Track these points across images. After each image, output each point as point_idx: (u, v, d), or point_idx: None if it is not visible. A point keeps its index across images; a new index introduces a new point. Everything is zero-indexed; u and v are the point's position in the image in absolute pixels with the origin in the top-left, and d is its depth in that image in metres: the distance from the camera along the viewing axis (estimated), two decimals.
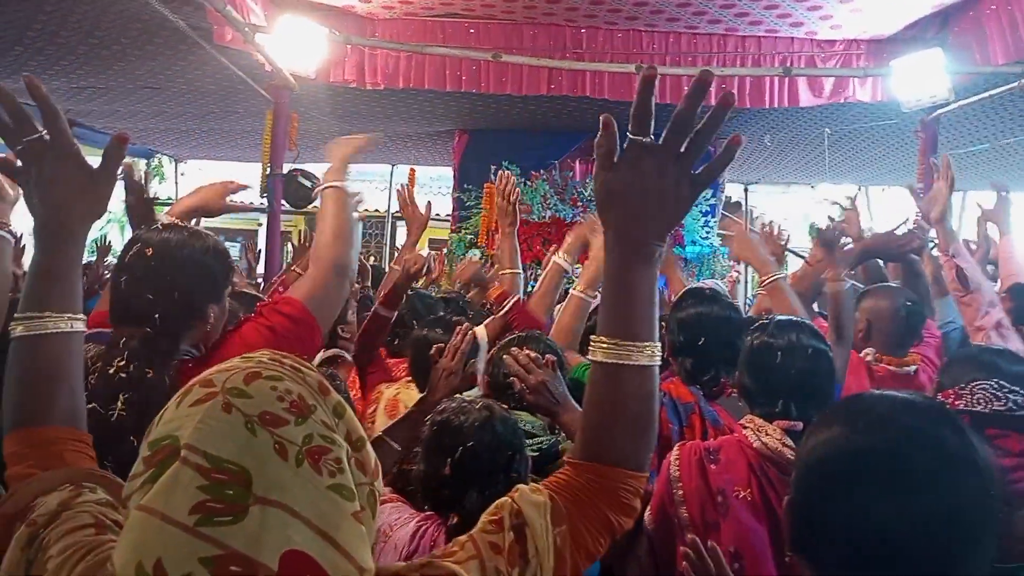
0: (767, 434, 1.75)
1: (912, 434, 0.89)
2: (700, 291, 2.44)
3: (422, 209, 3.66)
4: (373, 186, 11.24)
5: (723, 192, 7.84)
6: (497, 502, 1.00)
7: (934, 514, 0.84)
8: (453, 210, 7.97)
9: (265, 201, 5.45)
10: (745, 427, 1.80)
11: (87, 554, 0.92)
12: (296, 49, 4.68)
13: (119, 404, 1.45)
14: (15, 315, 1.15)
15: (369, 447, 0.91)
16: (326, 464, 0.82)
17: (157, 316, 1.54)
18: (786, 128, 6.72)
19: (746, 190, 9.87)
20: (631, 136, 1.02)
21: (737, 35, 5.30)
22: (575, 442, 1.06)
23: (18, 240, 3.36)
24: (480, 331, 2.97)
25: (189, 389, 0.84)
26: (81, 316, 1.18)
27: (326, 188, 1.82)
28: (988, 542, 0.86)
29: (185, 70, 5.68)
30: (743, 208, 9.40)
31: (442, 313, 2.88)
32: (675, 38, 5.25)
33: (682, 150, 1.01)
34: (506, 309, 2.75)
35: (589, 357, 1.05)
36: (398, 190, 3.86)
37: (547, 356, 1.93)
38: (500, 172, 3.11)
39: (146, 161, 9.78)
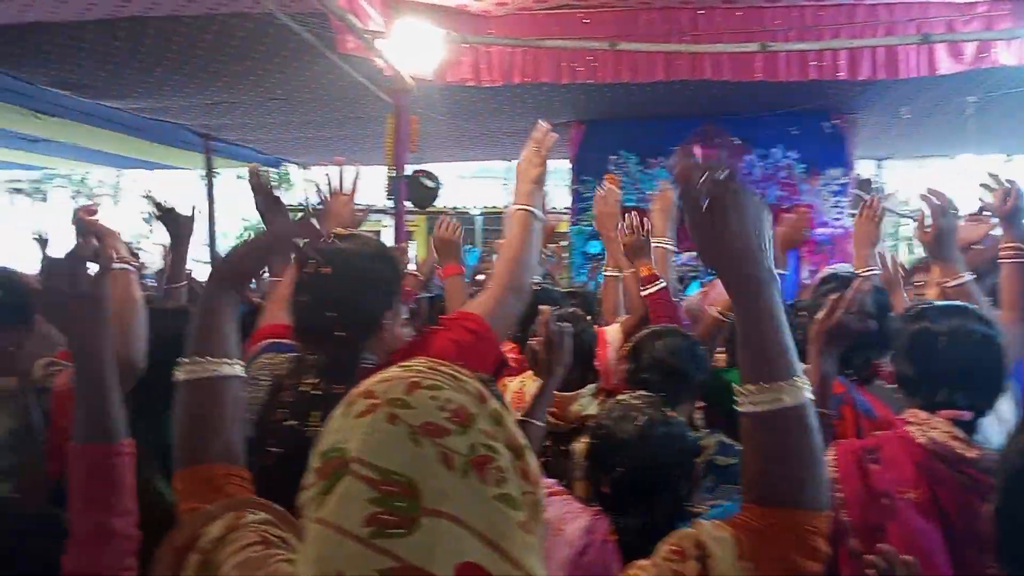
0: (933, 428, 1.63)
1: None
2: (843, 275, 2.32)
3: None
4: (492, 182, 11.39)
5: (854, 171, 7.46)
6: (678, 532, 0.98)
7: None
8: (572, 203, 7.93)
9: (390, 203, 5.59)
10: (908, 422, 1.68)
11: (258, 567, 0.95)
12: (414, 52, 4.77)
13: (313, 419, 1.51)
14: (180, 359, 1.23)
15: (530, 455, 0.89)
16: (491, 473, 0.81)
17: (340, 332, 1.59)
18: (924, 98, 6.31)
19: (879, 167, 9.37)
20: (712, 173, 1.02)
21: (867, 3, 5.01)
22: (744, 484, 1.00)
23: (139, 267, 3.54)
24: (612, 329, 2.94)
25: (352, 400, 0.85)
26: (236, 361, 1.24)
27: (517, 210, 1.87)
28: None
29: (310, 80, 5.88)
30: (875, 186, 8.94)
31: (572, 308, 2.86)
32: (799, 11, 5.00)
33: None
34: (649, 291, 2.69)
35: (740, 409, 1.00)
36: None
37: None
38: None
39: (275, 170, 10.23)
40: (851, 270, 3.57)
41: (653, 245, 2.88)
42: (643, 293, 2.71)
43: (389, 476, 0.77)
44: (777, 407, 0.96)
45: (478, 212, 11.99)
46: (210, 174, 8.05)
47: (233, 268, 1.31)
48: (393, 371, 0.89)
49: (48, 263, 1.42)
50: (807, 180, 7.09)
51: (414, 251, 10.48)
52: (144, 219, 12.40)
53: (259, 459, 1.51)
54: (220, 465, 1.18)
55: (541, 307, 2.21)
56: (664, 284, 2.73)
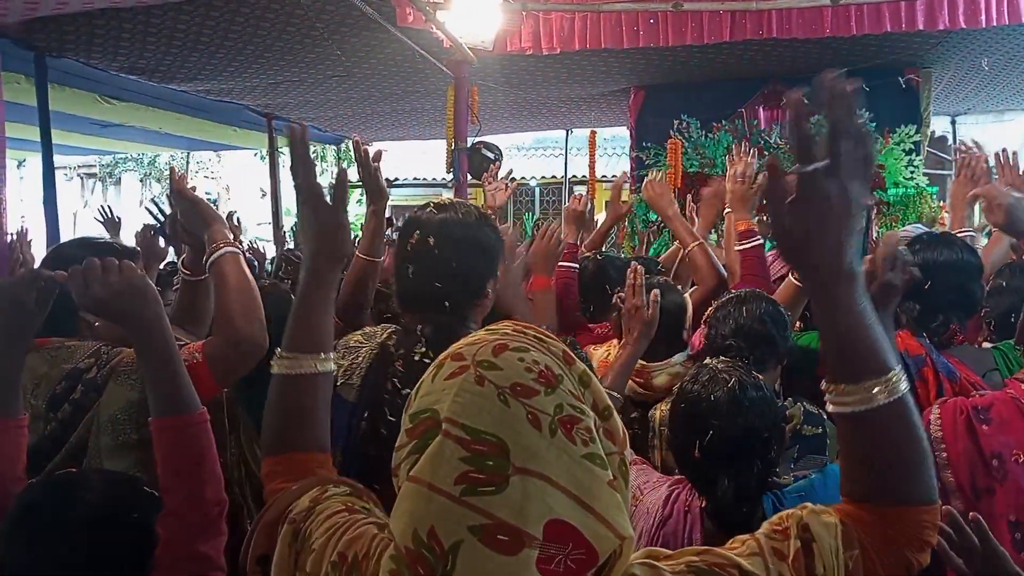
0: None
1: None
2: (930, 235, 2.24)
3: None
4: (549, 152, 11.31)
5: (927, 127, 7.18)
6: (782, 513, 0.95)
7: None
8: (631, 170, 7.83)
9: (450, 176, 5.59)
10: (1021, 381, 1.62)
11: (346, 530, 0.97)
12: (474, 22, 4.73)
13: None
14: (276, 352, 1.25)
15: (616, 416, 0.90)
16: (578, 433, 0.82)
17: (446, 302, 1.62)
18: (1005, 48, 6.01)
19: (953, 123, 9.00)
20: (800, 170, 0.93)
21: None
22: (846, 482, 0.97)
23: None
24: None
25: (442, 363, 0.87)
26: (328, 356, 1.26)
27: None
28: None
29: (370, 55, 5.90)
30: (950, 143, 8.61)
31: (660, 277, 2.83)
32: None
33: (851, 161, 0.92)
34: (744, 247, 2.66)
35: (830, 410, 0.96)
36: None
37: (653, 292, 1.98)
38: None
39: (337, 147, 10.34)
40: (926, 230, 3.47)
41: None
42: (738, 248, 2.68)
43: (479, 436, 0.79)
44: (869, 407, 0.92)
45: (535, 183, 11.96)
46: (273, 153, 8.17)
47: (329, 257, 1.29)
48: (480, 334, 0.91)
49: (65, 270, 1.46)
50: (878, 139, 6.84)
51: None
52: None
53: (369, 427, 1.54)
54: (311, 454, 1.21)
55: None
56: (760, 241, 2.68)
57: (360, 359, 1.65)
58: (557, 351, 0.89)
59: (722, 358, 1.74)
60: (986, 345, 2.32)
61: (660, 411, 2.14)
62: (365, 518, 1.01)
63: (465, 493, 0.78)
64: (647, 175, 3.45)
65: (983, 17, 4.74)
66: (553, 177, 10.90)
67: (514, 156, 12.34)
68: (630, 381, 2.21)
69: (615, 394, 1.99)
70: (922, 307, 2.05)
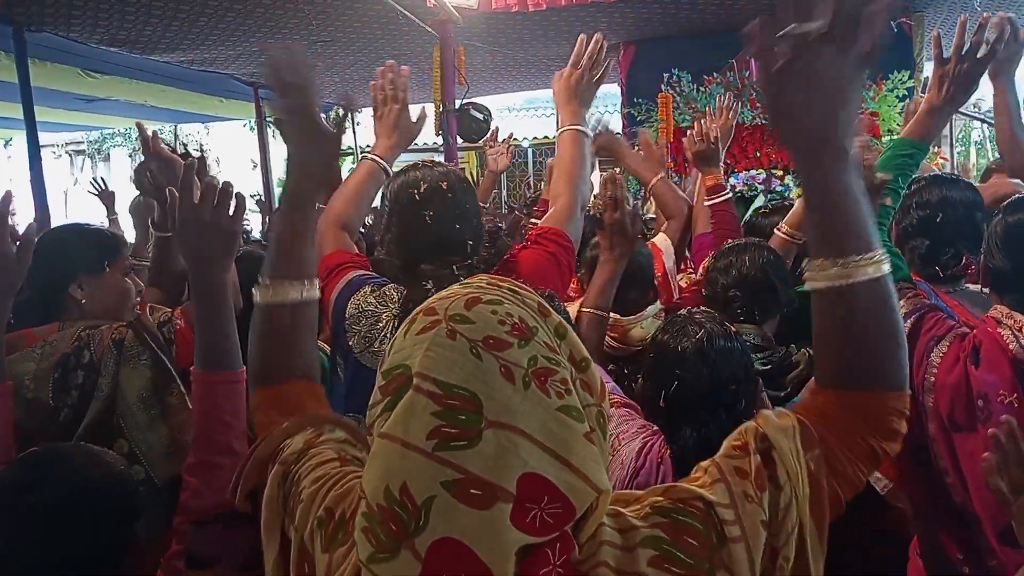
0: None
1: None
2: (940, 174, 2.22)
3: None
4: (541, 112, 11.21)
5: (921, 72, 7.10)
6: (741, 427, 0.94)
7: None
8: (623, 127, 7.75)
9: (440, 139, 5.54)
10: (1000, 323, 1.60)
11: (335, 484, 0.96)
12: None
13: None
14: (260, 279, 1.23)
15: (594, 368, 0.89)
16: (553, 385, 0.81)
17: (469, 243, 1.72)
18: None
19: None
20: (796, 28, 0.88)
21: None
22: (817, 366, 0.95)
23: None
24: (660, 239, 2.90)
25: (414, 318, 0.86)
26: (311, 282, 1.23)
27: (565, 131, 1.97)
28: None
29: (353, 18, 5.81)
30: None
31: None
32: None
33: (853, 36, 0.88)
34: (715, 201, 2.65)
35: (808, 286, 0.93)
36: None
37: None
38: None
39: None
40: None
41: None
42: (708, 203, 2.66)
43: (451, 390, 0.78)
44: (853, 281, 0.91)
45: (528, 144, 11.87)
46: (261, 123, 8.09)
47: (304, 185, 1.27)
48: (453, 288, 0.89)
49: (191, 188, 1.44)
50: (872, 86, 6.77)
51: None
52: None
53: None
54: (301, 383, 1.20)
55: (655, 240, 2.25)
56: (729, 195, 2.67)
57: (381, 324, 1.67)
58: (532, 303, 0.87)
59: (701, 308, 1.73)
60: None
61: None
62: (356, 471, 1.00)
63: (438, 448, 0.77)
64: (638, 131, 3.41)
65: None
66: (546, 137, 10.81)
67: (505, 117, 12.22)
68: (607, 336, 2.20)
69: (602, 312, 2.04)
70: (931, 242, 2.03)
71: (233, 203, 1.45)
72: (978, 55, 1.71)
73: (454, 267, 1.67)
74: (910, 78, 6.76)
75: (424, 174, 1.76)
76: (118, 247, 2.08)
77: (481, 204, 4.46)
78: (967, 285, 2.04)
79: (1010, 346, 1.56)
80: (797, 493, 0.87)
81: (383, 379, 0.84)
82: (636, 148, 3.41)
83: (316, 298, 1.25)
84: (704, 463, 0.94)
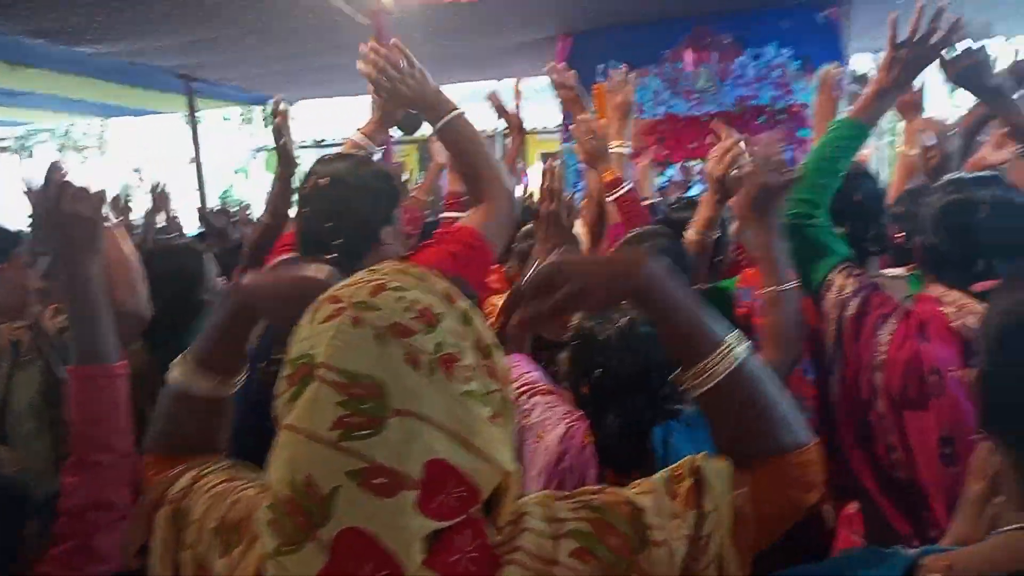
0: (971, 311, 1.59)
1: None
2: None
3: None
4: (482, 104, 11.15)
5: (849, 65, 7.29)
6: (679, 462, 0.97)
7: None
8: (563, 120, 7.79)
9: None
10: (942, 302, 1.65)
11: (227, 497, 0.97)
12: None
13: None
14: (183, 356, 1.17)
15: (499, 353, 0.90)
16: (458, 371, 0.82)
17: (339, 242, 1.65)
18: None
19: (876, 60, 9.15)
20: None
21: None
22: (723, 452, 0.98)
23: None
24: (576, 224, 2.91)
25: (319, 306, 0.86)
26: (241, 377, 1.18)
27: (451, 118, 1.82)
28: None
29: (286, 10, 5.71)
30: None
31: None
32: None
33: None
34: (617, 195, 2.64)
35: (689, 394, 0.97)
36: (488, 96, 3.84)
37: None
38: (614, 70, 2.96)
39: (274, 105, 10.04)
40: None
41: (610, 151, 2.77)
42: (609, 199, 2.66)
43: (355, 379, 0.78)
44: (718, 380, 0.94)
45: None
46: (193, 116, 7.91)
47: (256, 305, 1.15)
48: (360, 275, 0.89)
49: (54, 184, 1.43)
50: (801, 77, 6.93)
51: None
52: (134, 169, 12.28)
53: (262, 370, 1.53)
54: (200, 457, 1.12)
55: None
56: (630, 186, 2.68)
57: None
58: (439, 289, 0.88)
59: None
60: (901, 271, 2.38)
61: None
62: (246, 483, 0.99)
63: (342, 438, 0.77)
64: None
65: None
66: (494, 129, 10.78)
67: None
68: None
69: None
70: (854, 222, 2.07)
71: (93, 196, 1.51)
72: (930, 42, 1.74)
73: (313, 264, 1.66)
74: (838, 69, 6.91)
75: (319, 168, 1.73)
76: (14, 243, 2.03)
77: (424, 198, 4.44)
78: (882, 271, 2.10)
79: (954, 323, 1.61)
80: (721, 525, 0.90)
81: (288, 369, 0.84)
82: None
83: (224, 396, 1.16)
84: (640, 480, 0.96)
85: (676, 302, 0.97)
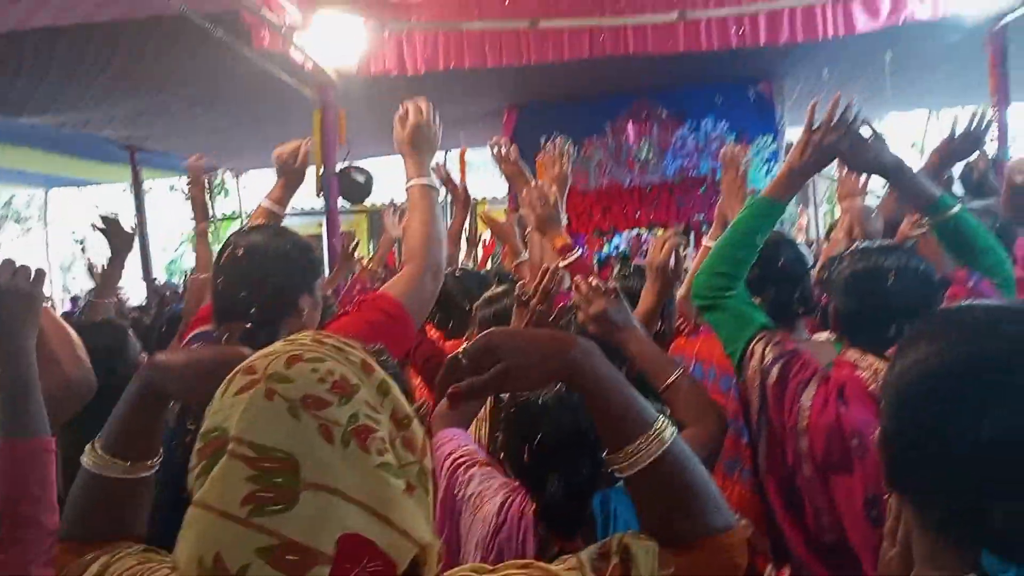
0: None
1: (1016, 343, 0.78)
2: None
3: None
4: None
5: (784, 137, 7.58)
6: (607, 539, 0.96)
7: None
8: (509, 190, 7.91)
9: (322, 201, 5.51)
10: (858, 366, 1.69)
11: None
12: (335, 44, 4.70)
13: None
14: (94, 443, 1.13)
15: (416, 424, 0.89)
16: (373, 443, 0.81)
17: (254, 311, 1.62)
18: (844, 59, 6.43)
19: None
20: None
21: None
22: (650, 534, 0.98)
23: None
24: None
25: (233, 377, 0.84)
26: (154, 461, 1.13)
27: (412, 186, 1.83)
28: None
29: (232, 81, 5.76)
30: None
31: (502, 288, 2.83)
32: None
33: None
34: (569, 260, 2.67)
35: (617, 475, 0.98)
36: (434, 168, 3.87)
37: (610, 286, 1.86)
38: (552, 141, 3.02)
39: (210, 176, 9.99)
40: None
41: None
42: (563, 264, 2.69)
43: (267, 452, 0.77)
44: (648, 461, 0.95)
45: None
46: (138, 187, 7.86)
47: (169, 389, 1.11)
48: (276, 346, 0.88)
49: None
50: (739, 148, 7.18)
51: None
52: (76, 241, 12.05)
53: (180, 444, 1.49)
54: (115, 543, 1.07)
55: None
56: (581, 252, 2.71)
57: None
58: (356, 360, 0.87)
59: None
60: (826, 336, 2.43)
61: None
62: (159, 565, 0.96)
63: (252, 514, 0.75)
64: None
65: (820, 30, 5.06)
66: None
67: (394, 178, 12.26)
68: None
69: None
70: (778, 287, 2.09)
71: (32, 271, 1.52)
72: (839, 130, 1.81)
73: (227, 334, 1.64)
74: (773, 142, 7.20)
75: (235, 239, 1.73)
76: None
77: (377, 269, 4.43)
78: (808, 335, 2.15)
79: (871, 387, 1.65)
80: None
81: (200, 442, 0.82)
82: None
83: (139, 478, 1.11)
84: (565, 556, 0.95)
85: (605, 384, 0.97)
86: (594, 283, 1.84)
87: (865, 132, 1.81)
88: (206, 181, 2.43)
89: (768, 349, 1.77)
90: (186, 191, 2.55)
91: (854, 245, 1.96)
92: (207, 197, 2.46)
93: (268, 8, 4.08)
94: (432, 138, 1.90)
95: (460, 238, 3.88)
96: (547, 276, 2.11)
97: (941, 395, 0.80)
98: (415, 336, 1.86)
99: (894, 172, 1.85)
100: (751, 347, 1.79)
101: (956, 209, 1.82)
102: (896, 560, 0.94)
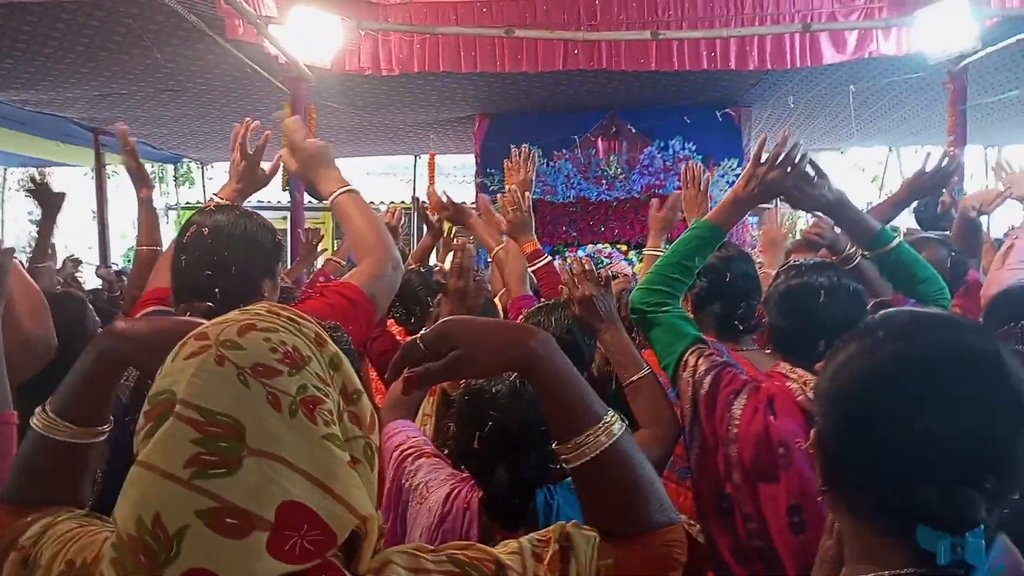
0: (812, 388, 1.69)
1: (940, 342, 0.85)
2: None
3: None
4: (397, 178, 11.30)
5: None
6: (550, 527, 0.98)
7: (971, 425, 0.79)
8: (476, 197, 7.94)
9: (288, 196, 5.48)
10: (789, 377, 1.74)
11: (77, 540, 0.93)
12: (310, 39, 4.69)
13: None
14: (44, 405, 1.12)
15: (365, 400, 0.90)
16: (320, 415, 0.81)
17: (217, 291, 1.61)
18: (810, 89, 6.58)
19: None
20: None
21: None
22: (593, 526, 1.00)
23: None
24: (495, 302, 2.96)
25: (185, 342, 0.84)
26: (105, 427, 1.12)
27: (339, 195, 1.82)
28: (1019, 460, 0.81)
29: (203, 69, 5.71)
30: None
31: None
32: (691, 2, 5.16)
33: None
34: (537, 266, 2.71)
35: (565, 466, 1.00)
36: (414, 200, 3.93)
37: (601, 271, 1.89)
38: (518, 149, 3.06)
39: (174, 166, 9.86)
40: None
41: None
42: (532, 269, 2.73)
43: (214, 417, 0.77)
44: (595, 453, 0.97)
45: (385, 209, 11.93)
46: (100, 171, 7.73)
47: (128, 354, 1.10)
48: (231, 315, 0.88)
49: None
50: (705, 171, 7.29)
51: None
52: (31, 220, 11.79)
53: (134, 420, 1.48)
54: (58, 507, 1.07)
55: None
56: (550, 259, 2.76)
57: None
58: (309, 332, 0.87)
59: None
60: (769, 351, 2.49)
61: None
62: (99, 529, 0.96)
63: (195, 476, 0.75)
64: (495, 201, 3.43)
65: (788, 58, 5.18)
66: (403, 202, 10.89)
67: (363, 180, 12.24)
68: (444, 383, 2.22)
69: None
70: (724, 302, 2.18)
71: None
72: (784, 167, 1.86)
73: (188, 313, 1.63)
74: (739, 165, 7.33)
75: (200, 219, 1.71)
76: None
77: (341, 262, 4.42)
78: (755, 347, 2.20)
79: (799, 398, 1.70)
80: None
81: (148, 404, 0.82)
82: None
83: (87, 443, 1.11)
84: (509, 540, 0.96)
85: (560, 376, 0.99)
86: (587, 267, 1.89)
87: (810, 171, 1.87)
88: (135, 149, 2.39)
89: (701, 360, 1.82)
90: (124, 164, 2.48)
91: (789, 261, 2.02)
92: (140, 163, 2.42)
93: None
94: (322, 150, 1.85)
95: (423, 257, 3.93)
96: (460, 252, 2.15)
97: (873, 395, 0.85)
98: (375, 326, 1.86)
99: (836, 208, 1.92)
100: (684, 358, 1.84)
101: (895, 242, 1.90)
102: (827, 556, 0.99)
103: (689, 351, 1.84)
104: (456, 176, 11.60)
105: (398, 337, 2.84)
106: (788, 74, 5.91)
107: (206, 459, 0.76)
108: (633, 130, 7.54)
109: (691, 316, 1.98)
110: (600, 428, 0.97)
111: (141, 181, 2.51)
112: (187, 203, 11.81)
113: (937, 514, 0.78)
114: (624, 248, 7.64)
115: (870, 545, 0.86)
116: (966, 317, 1.00)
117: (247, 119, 2.19)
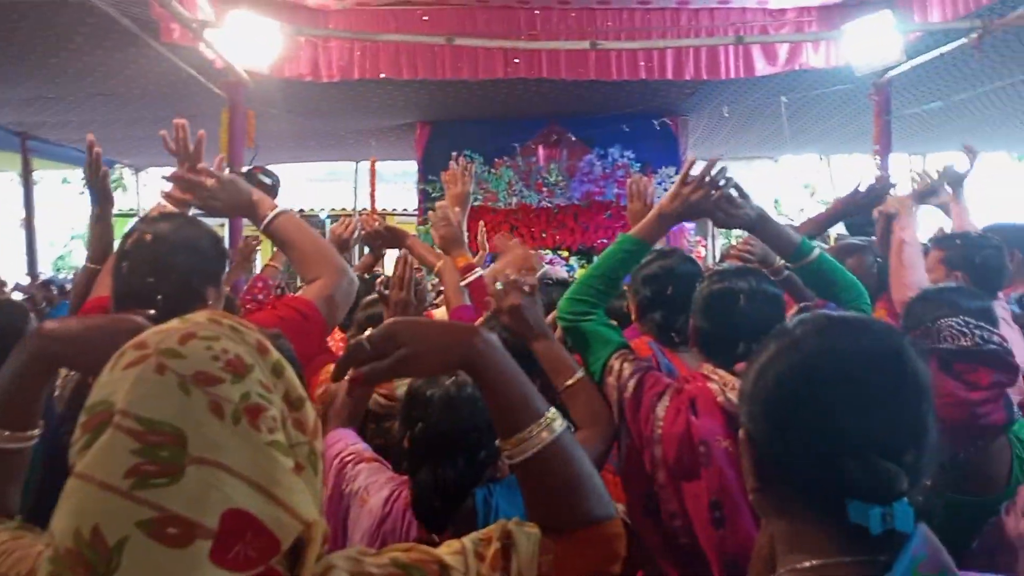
0: (732, 388, 1.75)
1: (852, 338, 0.91)
2: (660, 249, 2.45)
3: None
4: (342, 183, 11.20)
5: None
6: (491, 526, 1.00)
7: (884, 408, 0.86)
8: (419, 203, 7.94)
9: None
10: (710, 379, 1.80)
11: (7, 554, 0.92)
12: (248, 44, 4.62)
13: None
14: None
15: (309, 406, 0.90)
16: (264, 422, 0.81)
17: (160, 297, 1.58)
18: (745, 99, 6.76)
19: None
20: None
21: (689, 8, 5.32)
22: (536, 520, 1.02)
23: None
24: (439, 313, 2.97)
25: (123, 352, 0.83)
26: (36, 432, 1.11)
27: (277, 216, 1.81)
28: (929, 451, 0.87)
29: (137, 73, 5.59)
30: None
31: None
32: (628, 14, 5.26)
33: None
34: (469, 280, 2.72)
35: (508, 462, 1.02)
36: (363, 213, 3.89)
37: (528, 282, 1.92)
38: (456, 159, 3.06)
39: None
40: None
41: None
42: (463, 283, 2.74)
43: (154, 426, 0.77)
44: (537, 448, 0.99)
45: (326, 215, 11.81)
46: (28, 176, 7.49)
47: (60, 353, 1.10)
48: (171, 323, 0.87)
49: None
50: (643, 178, 7.42)
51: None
52: None
53: (69, 431, 1.45)
54: None
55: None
56: (480, 272, 2.78)
57: (74, 372, 1.58)
58: (251, 340, 0.87)
59: None
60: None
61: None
62: (32, 542, 0.94)
63: (135, 487, 0.74)
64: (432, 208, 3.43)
65: (723, 70, 5.33)
66: (344, 209, 10.79)
67: (304, 186, 12.10)
68: (374, 394, 2.22)
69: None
70: (664, 312, 2.22)
71: None
72: (708, 189, 1.92)
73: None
74: (676, 173, 7.46)
75: (142, 226, 1.70)
76: None
77: (279, 266, 4.37)
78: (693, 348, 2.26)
79: (719, 398, 1.76)
80: None
81: (85, 415, 0.80)
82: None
83: (16, 449, 1.09)
84: (452, 540, 0.98)
85: (504, 374, 1.01)
86: (513, 278, 1.91)
87: (733, 192, 1.94)
88: (101, 164, 2.34)
89: (625, 365, 1.87)
90: (85, 177, 2.41)
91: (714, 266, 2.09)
92: (108, 183, 2.37)
93: (179, 2, 4.00)
94: (235, 181, 1.86)
95: (365, 269, 3.93)
96: (401, 264, 2.17)
97: (795, 390, 0.90)
98: (325, 336, 1.86)
99: (759, 225, 1.99)
100: (610, 363, 1.89)
101: (815, 253, 1.98)
102: (761, 552, 1.03)
103: (614, 356, 1.89)
104: (398, 182, 11.55)
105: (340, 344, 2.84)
106: (723, 85, 6.06)
107: (147, 469, 0.75)
108: (573, 138, 7.64)
109: (612, 323, 2.03)
110: (541, 424, 1.00)
111: (104, 196, 2.45)
112: (119, 210, 11.51)
113: (864, 487, 0.83)
114: (565, 255, 7.74)
115: (801, 536, 0.90)
116: (873, 318, 1.07)
117: (180, 122, 2.15)
